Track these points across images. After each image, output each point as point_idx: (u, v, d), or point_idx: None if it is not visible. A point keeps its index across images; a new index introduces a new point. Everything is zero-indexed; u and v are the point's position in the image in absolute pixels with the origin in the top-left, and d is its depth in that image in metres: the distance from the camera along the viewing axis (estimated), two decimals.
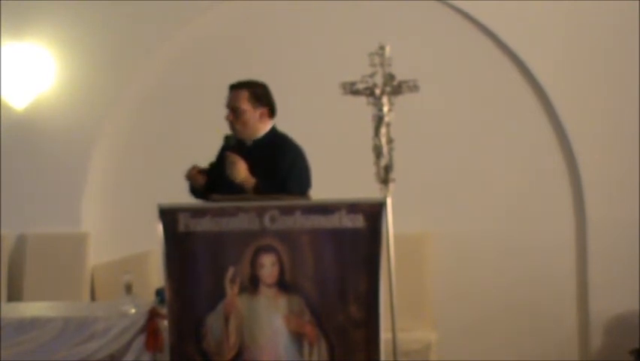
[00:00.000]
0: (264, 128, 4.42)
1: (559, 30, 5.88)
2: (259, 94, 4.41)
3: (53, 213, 6.32)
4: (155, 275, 5.63)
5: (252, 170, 4.25)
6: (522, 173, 6.02)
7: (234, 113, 4.38)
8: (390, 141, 4.33)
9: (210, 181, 4.42)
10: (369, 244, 3.77)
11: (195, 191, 4.51)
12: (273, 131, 4.45)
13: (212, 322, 3.89)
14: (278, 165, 4.29)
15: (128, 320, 4.63)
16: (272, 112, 4.45)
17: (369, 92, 4.37)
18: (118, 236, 6.31)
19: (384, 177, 4.32)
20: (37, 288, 6.15)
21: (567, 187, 5.98)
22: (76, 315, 4.76)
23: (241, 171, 4.22)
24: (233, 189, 4.21)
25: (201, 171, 4.46)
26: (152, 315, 4.57)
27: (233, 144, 4.36)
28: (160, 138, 6.30)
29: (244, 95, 4.38)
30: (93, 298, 6.24)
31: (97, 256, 6.30)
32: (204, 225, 3.89)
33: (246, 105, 4.37)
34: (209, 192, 4.35)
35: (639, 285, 5.69)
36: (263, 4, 6.17)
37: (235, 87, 4.42)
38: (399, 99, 4.37)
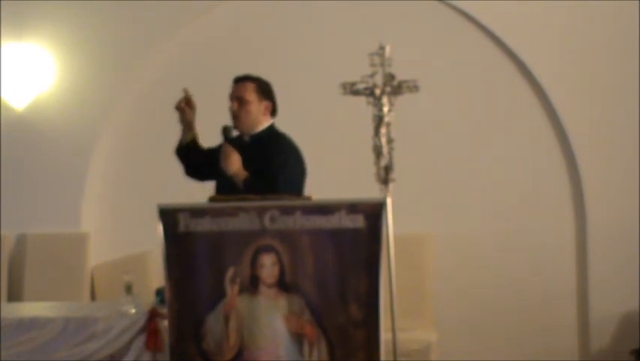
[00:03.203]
0: (264, 122, 4.45)
1: (559, 30, 5.88)
2: (265, 88, 4.46)
3: (53, 213, 6.32)
4: (155, 275, 5.63)
5: (247, 165, 4.27)
6: (522, 173, 6.02)
7: (239, 102, 4.40)
8: (390, 141, 4.33)
9: (205, 162, 4.51)
10: (369, 244, 3.76)
11: (186, 159, 4.61)
12: (272, 129, 4.47)
13: (212, 322, 3.88)
14: (270, 162, 4.29)
15: (128, 319, 4.63)
16: (274, 109, 4.49)
17: (369, 92, 4.36)
18: (118, 236, 6.31)
19: (384, 177, 4.32)
20: (37, 288, 6.15)
21: (567, 187, 5.98)
22: (76, 315, 4.76)
23: (234, 163, 4.24)
24: (222, 181, 4.27)
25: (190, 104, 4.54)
26: (153, 315, 4.57)
27: (232, 138, 4.38)
28: (160, 138, 6.26)
29: (251, 86, 4.42)
30: (93, 298, 6.25)
31: (97, 256, 6.30)
32: (204, 225, 3.89)
33: (251, 96, 4.41)
34: (200, 173, 4.57)
35: (639, 285, 5.69)
36: (263, 5, 6.17)
37: (242, 79, 4.45)
38: (399, 99, 4.37)
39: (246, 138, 4.43)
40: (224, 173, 4.30)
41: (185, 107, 4.56)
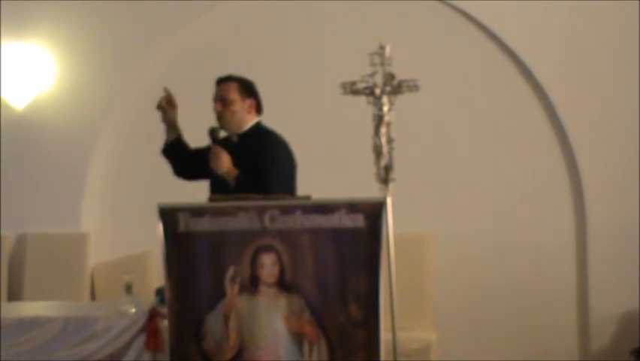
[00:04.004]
0: (250, 120, 4.45)
1: (559, 30, 5.88)
2: (247, 86, 4.47)
3: (53, 213, 6.32)
4: (155, 275, 5.63)
5: (237, 164, 4.28)
6: (522, 173, 6.02)
7: (223, 103, 4.40)
8: (390, 140, 4.33)
9: (193, 162, 4.55)
10: (369, 243, 3.76)
11: (173, 159, 4.64)
12: (259, 126, 4.48)
13: (212, 322, 3.88)
14: (260, 159, 4.30)
15: (128, 319, 4.63)
16: (259, 107, 4.50)
17: (369, 91, 4.37)
18: (118, 236, 6.31)
19: (385, 176, 4.32)
20: (38, 288, 6.15)
21: (567, 187, 5.98)
22: (76, 315, 4.76)
23: (224, 163, 4.25)
24: (212, 179, 4.28)
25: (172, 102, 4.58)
26: (153, 315, 4.57)
27: (220, 139, 4.38)
28: (160, 138, 6.24)
29: (233, 85, 4.43)
30: (93, 298, 6.24)
31: (97, 256, 6.30)
32: (204, 224, 3.89)
33: (234, 95, 4.42)
34: (189, 173, 4.60)
35: (639, 285, 5.69)
36: (263, 5, 6.17)
37: (224, 80, 4.47)
38: (399, 99, 4.37)
39: (234, 138, 4.44)
40: (215, 173, 4.30)
41: (167, 106, 4.57)
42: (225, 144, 4.37)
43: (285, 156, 4.40)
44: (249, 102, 4.45)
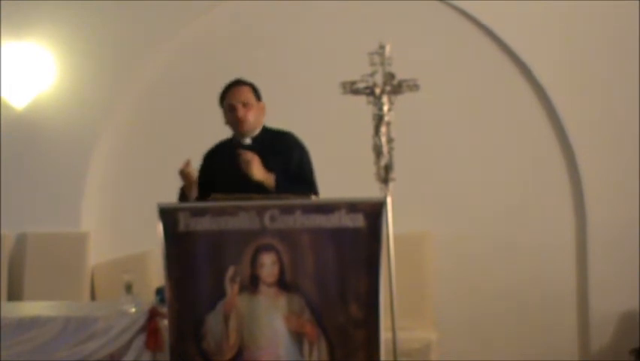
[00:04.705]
0: (262, 123, 4.46)
1: (559, 30, 5.88)
2: (257, 89, 4.46)
3: (53, 213, 6.32)
4: (155, 275, 5.64)
5: (265, 167, 4.25)
6: (522, 173, 6.02)
7: (245, 107, 4.38)
8: (390, 140, 4.33)
9: (204, 190, 4.42)
10: (369, 243, 3.77)
11: (183, 196, 4.52)
12: (266, 128, 4.48)
13: (212, 322, 3.88)
14: (290, 157, 4.31)
15: (129, 319, 4.64)
16: None
17: (370, 91, 4.36)
18: (118, 236, 6.31)
19: (385, 176, 4.32)
20: (38, 287, 6.15)
21: (567, 187, 5.98)
22: (77, 314, 4.77)
23: (259, 168, 4.20)
24: (244, 189, 4.15)
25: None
26: (153, 314, 4.57)
27: (233, 144, 4.36)
28: (160, 137, 6.30)
29: (248, 89, 4.42)
30: (93, 297, 6.25)
31: (97, 255, 6.30)
32: (204, 224, 3.89)
33: (252, 99, 4.41)
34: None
35: (639, 285, 5.69)
36: (263, 5, 6.17)
37: (237, 84, 4.43)
38: (399, 98, 4.37)
39: (247, 141, 4.42)
40: (240, 180, 4.24)
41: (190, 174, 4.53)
42: (239, 147, 4.35)
43: (303, 151, 4.42)
44: (262, 105, 4.46)
